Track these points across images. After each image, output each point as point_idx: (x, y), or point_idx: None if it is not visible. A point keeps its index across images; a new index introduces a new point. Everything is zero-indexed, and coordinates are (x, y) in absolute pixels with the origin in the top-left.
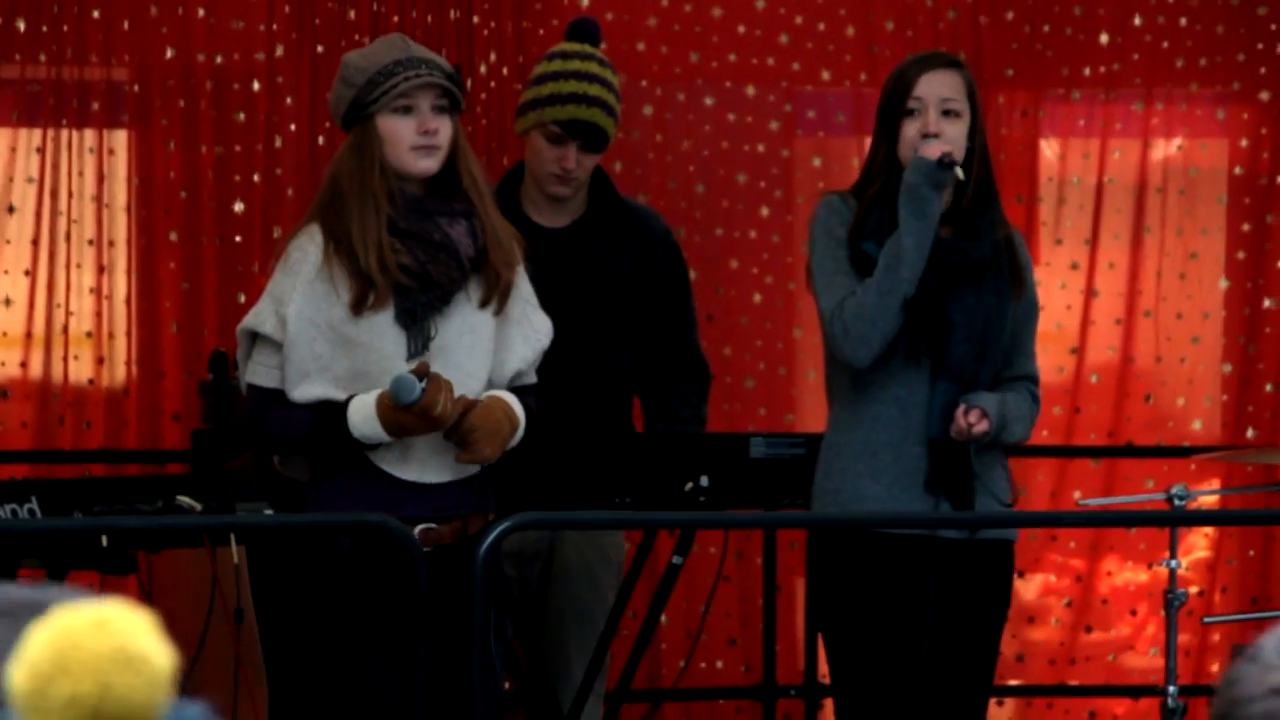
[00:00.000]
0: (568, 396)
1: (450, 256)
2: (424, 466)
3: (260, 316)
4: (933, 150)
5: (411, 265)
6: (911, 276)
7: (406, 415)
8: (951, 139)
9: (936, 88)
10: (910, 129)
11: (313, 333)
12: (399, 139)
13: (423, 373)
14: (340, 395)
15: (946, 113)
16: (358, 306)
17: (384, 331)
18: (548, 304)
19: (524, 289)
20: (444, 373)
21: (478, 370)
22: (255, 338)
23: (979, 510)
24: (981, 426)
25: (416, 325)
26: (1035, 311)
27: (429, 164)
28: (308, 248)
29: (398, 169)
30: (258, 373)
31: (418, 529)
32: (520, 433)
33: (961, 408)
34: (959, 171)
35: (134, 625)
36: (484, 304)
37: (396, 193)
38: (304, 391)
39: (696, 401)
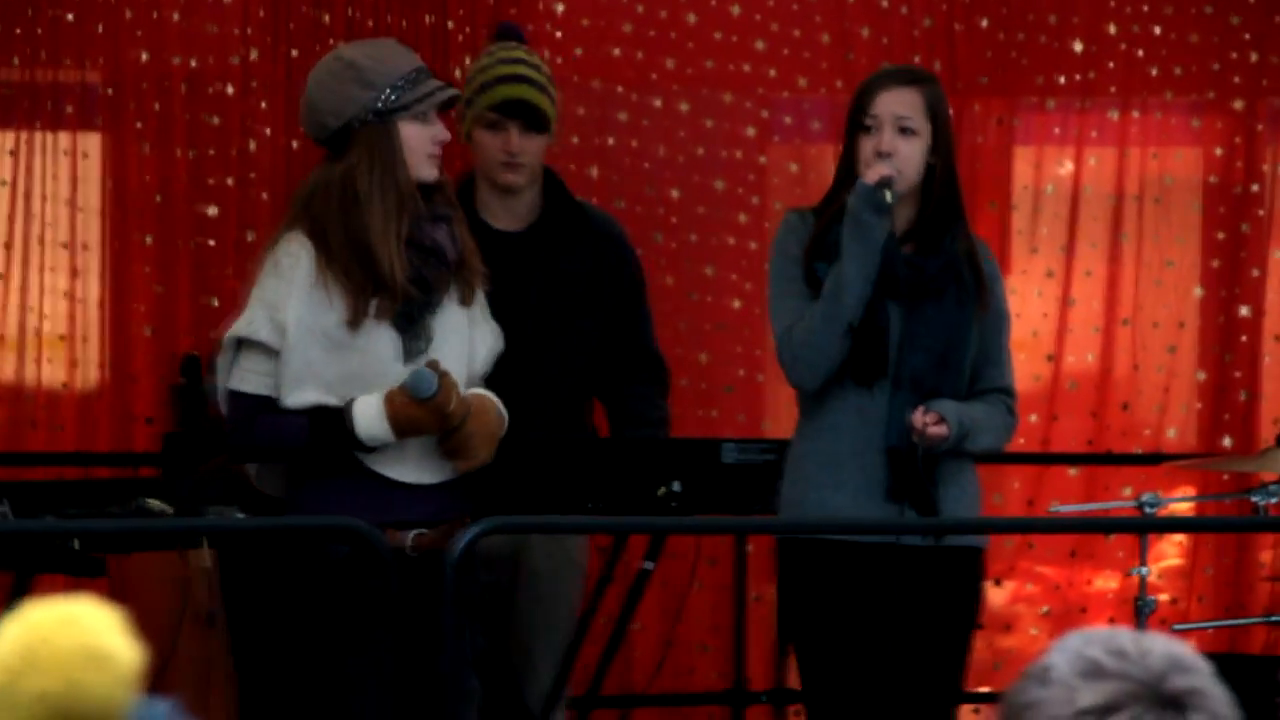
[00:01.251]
0: (527, 398)
1: (440, 260)
2: (420, 468)
3: (254, 324)
4: (871, 174)
5: (409, 271)
6: (854, 303)
7: (420, 411)
8: (904, 157)
9: (892, 105)
10: (866, 146)
11: (307, 339)
12: (418, 146)
13: (434, 370)
14: (331, 400)
15: (903, 130)
16: (357, 318)
17: (381, 336)
18: (506, 307)
19: (480, 295)
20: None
21: (461, 370)
22: (240, 344)
23: (946, 517)
24: (938, 430)
25: (412, 329)
26: (1004, 323)
27: (435, 173)
28: (299, 254)
29: (414, 174)
30: (247, 380)
31: (411, 534)
32: (503, 430)
33: (920, 409)
34: (887, 194)
35: (102, 623)
36: (463, 303)
37: (411, 194)
38: (298, 398)
39: (659, 400)
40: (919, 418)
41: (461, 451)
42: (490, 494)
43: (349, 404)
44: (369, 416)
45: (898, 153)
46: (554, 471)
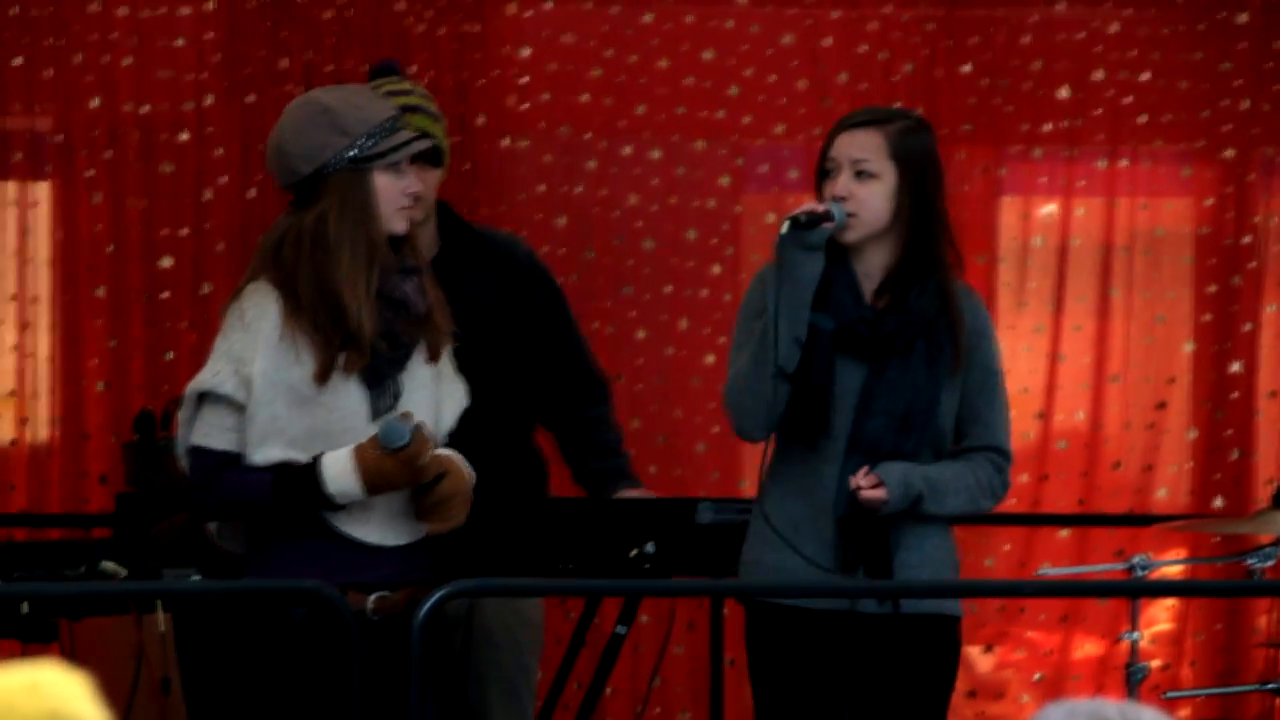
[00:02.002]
0: (463, 436)
1: (410, 314)
2: (385, 529)
3: (220, 377)
4: (799, 209)
5: (378, 325)
6: (781, 343)
7: (390, 463)
8: (860, 200)
9: (848, 148)
10: (827, 192)
11: (272, 394)
12: (391, 198)
13: (407, 421)
14: (298, 457)
15: (859, 173)
16: (325, 372)
17: (349, 391)
18: None
19: (448, 349)
20: None
21: (430, 426)
22: (203, 399)
23: (916, 580)
24: (874, 494)
25: (380, 384)
26: (994, 379)
27: (405, 225)
28: (265, 305)
29: (385, 226)
30: (211, 435)
31: (372, 597)
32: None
33: (863, 470)
34: (785, 226)
35: (67, 688)
36: (430, 360)
37: (383, 243)
38: (264, 455)
39: (611, 419)
40: (856, 480)
41: (438, 513)
42: (457, 555)
43: (317, 459)
44: (339, 471)
45: (853, 196)
46: (523, 532)
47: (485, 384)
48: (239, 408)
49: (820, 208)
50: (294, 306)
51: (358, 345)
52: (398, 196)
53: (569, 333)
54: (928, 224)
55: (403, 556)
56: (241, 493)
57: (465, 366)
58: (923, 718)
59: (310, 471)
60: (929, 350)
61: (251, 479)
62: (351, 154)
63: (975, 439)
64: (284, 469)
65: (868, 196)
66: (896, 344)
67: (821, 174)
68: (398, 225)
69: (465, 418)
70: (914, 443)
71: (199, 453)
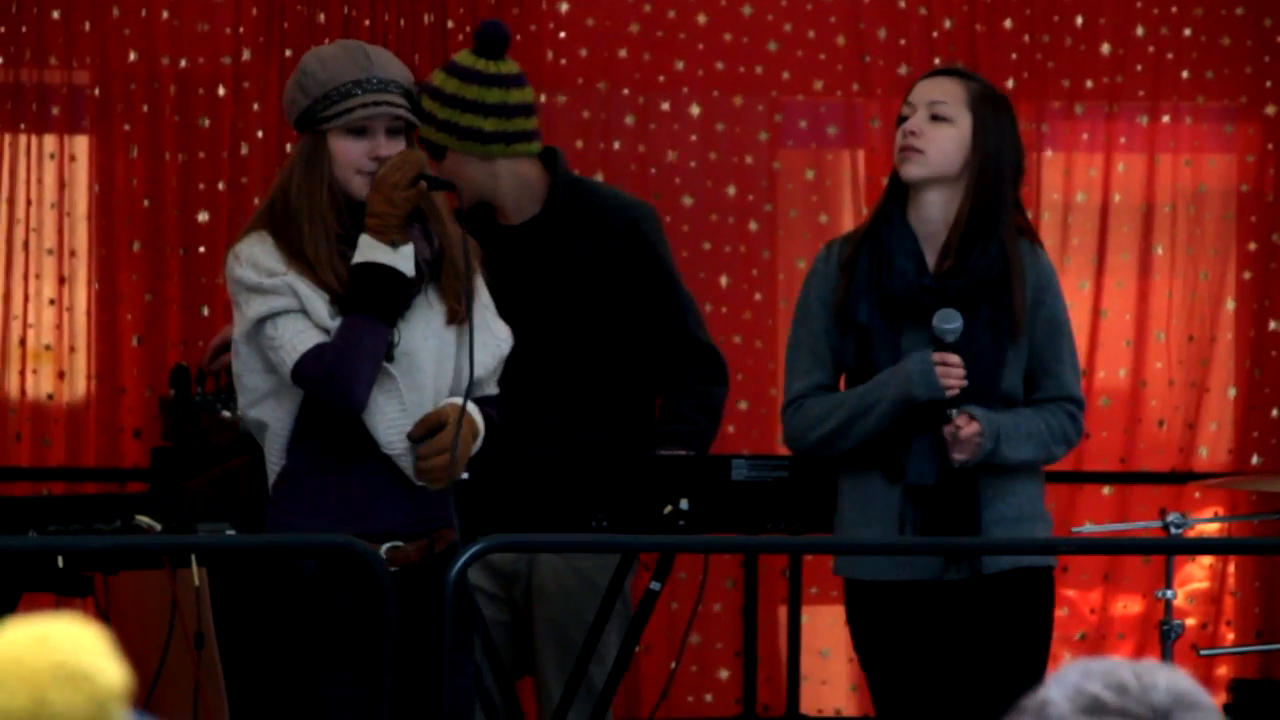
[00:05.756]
0: (552, 393)
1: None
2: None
3: (265, 300)
4: (953, 388)
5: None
6: (873, 431)
7: (371, 196)
8: (931, 139)
9: (927, 92)
10: (899, 132)
11: (310, 293)
12: (348, 161)
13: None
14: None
15: (935, 117)
16: (331, 310)
17: None
18: (512, 300)
19: (483, 296)
20: (408, 377)
21: (443, 373)
22: (259, 327)
23: (948, 539)
24: (971, 428)
25: None
26: (1058, 332)
27: (364, 192)
28: (259, 248)
29: (343, 189)
30: (297, 343)
31: (384, 547)
32: (479, 442)
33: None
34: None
35: (78, 641)
36: (449, 315)
37: (343, 206)
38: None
39: (702, 389)
40: (954, 423)
41: (430, 475)
42: (493, 510)
43: (352, 271)
44: (365, 249)
45: (923, 134)
46: (558, 488)
47: (561, 338)
48: (300, 311)
49: (959, 384)
50: (291, 256)
51: (340, 299)
52: (358, 159)
53: (669, 305)
54: (995, 183)
55: (418, 504)
56: (350, 347)
57: (546, 320)
58: (1022, 675)
59: (364, 273)
60: (993, 314)
61: (340, 336)
62: (309, 114)
63: (1046, 391)
64: (349, 294)
65: (938, 137)
66: (962, 307)
67: (899, 121)
68: (358, 190)
69: (538, 367)
70: (983, 405)
71: (304, 364)
